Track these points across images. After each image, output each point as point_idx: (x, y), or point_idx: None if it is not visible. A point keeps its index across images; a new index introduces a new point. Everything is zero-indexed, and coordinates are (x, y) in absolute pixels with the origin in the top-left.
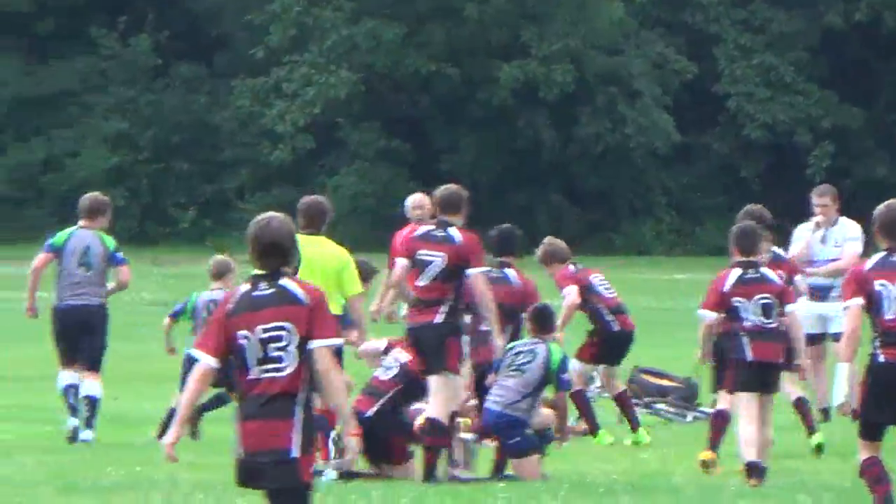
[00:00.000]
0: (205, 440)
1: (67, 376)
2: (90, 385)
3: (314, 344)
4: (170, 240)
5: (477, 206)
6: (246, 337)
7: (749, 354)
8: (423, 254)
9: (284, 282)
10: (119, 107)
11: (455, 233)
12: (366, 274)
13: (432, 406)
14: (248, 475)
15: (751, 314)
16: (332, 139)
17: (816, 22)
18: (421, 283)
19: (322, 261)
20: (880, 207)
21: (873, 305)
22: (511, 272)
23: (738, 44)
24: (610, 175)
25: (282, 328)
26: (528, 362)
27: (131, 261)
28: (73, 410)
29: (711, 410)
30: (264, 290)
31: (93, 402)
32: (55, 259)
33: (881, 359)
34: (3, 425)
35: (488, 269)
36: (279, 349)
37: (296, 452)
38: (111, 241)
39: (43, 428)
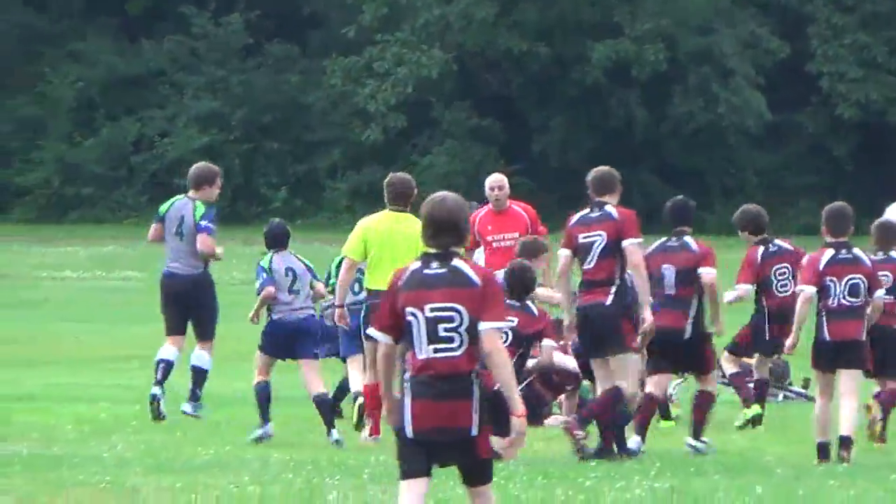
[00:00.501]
0: (295, 420)
1: (165, 349)
2: (196, 355)
3: (483, 326)
4: (261, 220)
5: (569, 185)
6: (414, 315)
7: (826, 335)
8: (584, 237)
9: (457, 262)
10: (210, 86)
11: (612, 209)
12: (534, 251)
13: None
14: (425, 453)
15: (838, 294)
16: (424, 118)
17: None
18: (588, 265)
19: (408, 238)
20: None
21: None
22: (689, 239)
23: (831, 23)
24: (702, 154)
25: (453, 309)
26: None
27: (223, 240)
28: (158, 383)
29: (802, 390)
30: (436, 269)
31: (196, 372)
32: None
33: None
34: (101, 404)
35: (665, 238)
36: (450, 330)
37: (475, 431)
38: (200, 210)
39: (133, 408)
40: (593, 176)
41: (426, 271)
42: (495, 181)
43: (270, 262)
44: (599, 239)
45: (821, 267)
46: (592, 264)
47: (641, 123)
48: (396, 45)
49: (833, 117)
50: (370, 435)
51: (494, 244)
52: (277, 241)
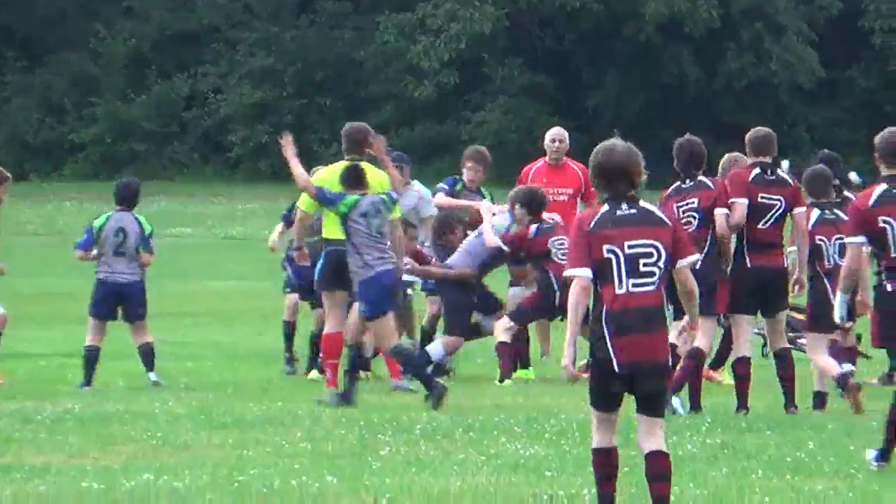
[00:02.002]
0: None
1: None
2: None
3: (681, 263)
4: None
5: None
6: (613, 252)
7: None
8: (765, 197)
9: (644, 203)
10: (263, 42)
11: (787, 176)
12: None
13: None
14: (624, 383)
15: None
16: (477, 75)
17: None
18: (762, 225)
19: None
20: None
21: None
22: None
23: None
24: (755, 110)
25: (652, 245)
26: None
27: (273, 196)
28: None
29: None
30: (627, 210)
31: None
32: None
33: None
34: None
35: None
36: (650, 265)
37: (669, 361)
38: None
39: (184, 364)
40: (751, 137)
41: (619, 212)
42: (556, 134)
43: (105, 221)
44: (779, 204)
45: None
46: (767, 226)
47: (694, 80)
48: (449, 1)
49: (886, 73)
50: (328, 387)
51: (548, 198)
52: (122, 200)
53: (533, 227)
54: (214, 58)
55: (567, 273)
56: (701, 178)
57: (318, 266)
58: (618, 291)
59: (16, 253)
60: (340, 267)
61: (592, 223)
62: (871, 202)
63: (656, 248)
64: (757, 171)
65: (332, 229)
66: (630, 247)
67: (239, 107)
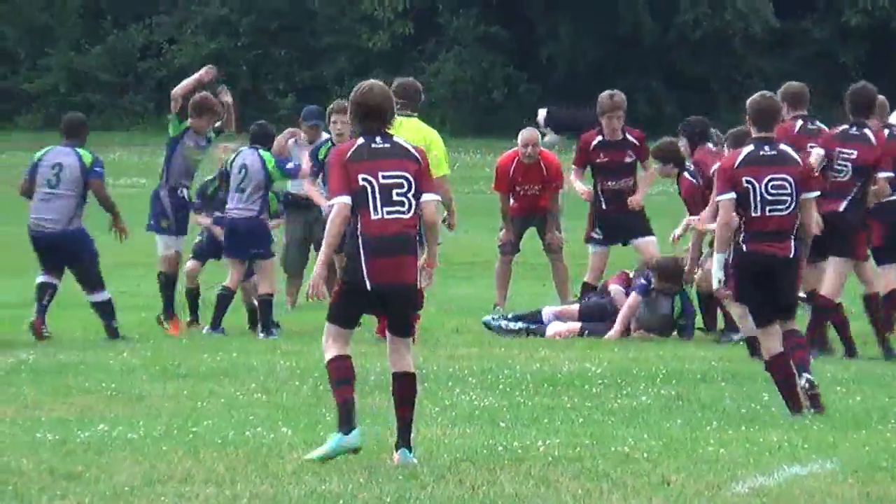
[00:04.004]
0: (299, 330)
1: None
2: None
3: (426, 197)
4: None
5: (577, 92)
6: (367, 181)
7: None
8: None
9: (396, 138)
10: None
11: (870, 133)
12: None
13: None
14: (379, 301)
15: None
16: (431, 25)
17: None
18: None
19: (414, 140)
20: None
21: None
22: (868, 132)
23: None
24: (709, 61)
25: (402, 177)
26: None
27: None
28: None
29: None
30: (381, 143)
31: None
32: None
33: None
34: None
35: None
36: (401, 194)
37: (417, 283)
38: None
39: (139, 315)
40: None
41: (373, 146)
42: (528, 139)
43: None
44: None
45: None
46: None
47: (648, 30)
48: None
49: (840, 24)
50: None
51: (521, 192)
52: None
53: None
54: (169, 8)
55: (330, 201)
56: (866, 130)
57: None
58: (373, 217)
59: None
60: None
61: (350, 154)
62: (736, 162)
63: (406, 178)
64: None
65: None
66: (384, 177)
67: (194, 57)
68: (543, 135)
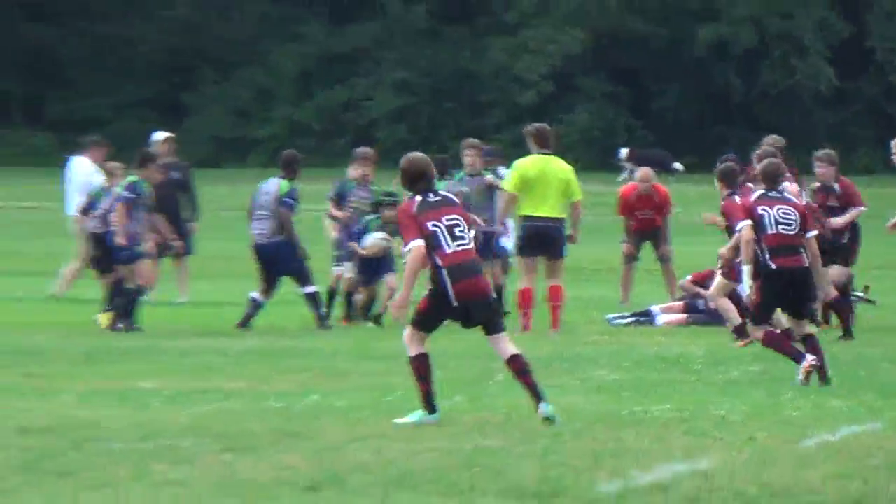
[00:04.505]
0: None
1: None
2: None
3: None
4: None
5: (682, 138)
6: (436, 225)
7: None
8: None
9: (441, 192)
10: (402, 60)
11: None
12: None
13: None
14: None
15: None
16: (569, 85)
17: None
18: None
19: (556, 173)
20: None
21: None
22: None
23: (884, 8)
24: (784, 113)
25: (457, 218)
26: None
27: None
28: None
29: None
30: (434, 197)
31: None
32: None
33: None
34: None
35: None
36: (461, 231)
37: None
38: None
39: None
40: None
41: (429, 199)
42: (645, 176)
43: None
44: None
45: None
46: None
47: (736, 89)
48: (547, 28)
49: (887, 83)
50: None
51: (639, 215)
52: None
53: None
54: (365, 73)
55: (407, 247)
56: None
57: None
58: (447, 252)
59: (214, 225)
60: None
61: (415, 208)
62: (753, 198)
63: (460, 219)
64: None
65: (528, 208)
66: (447, 220)
67: (384, 111)
68: (622, 168)
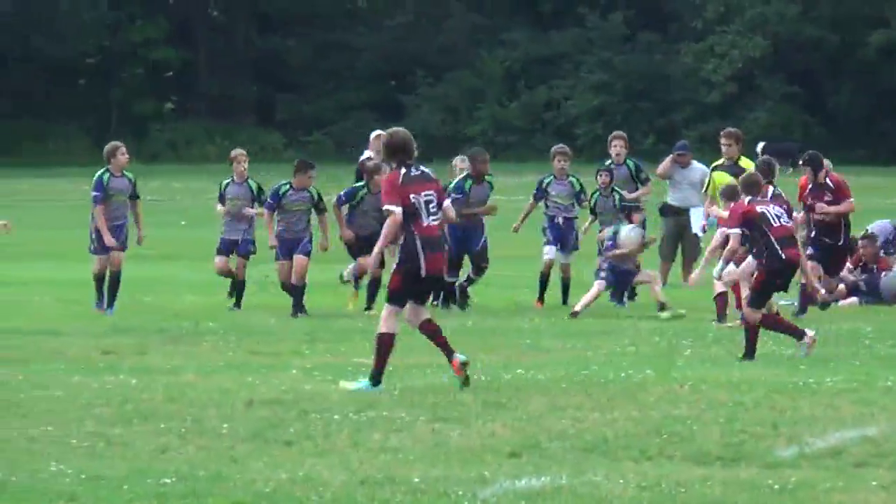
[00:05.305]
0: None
1: None
2: None
3: (446, 203)
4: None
5: (853, 134)
6: (416, 199)
7: None
8: None
9: (423, 167)
10: (600, 64)
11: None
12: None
13: None
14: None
15: None
16: (750, 86)
17: None
18: None
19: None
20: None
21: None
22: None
23: None
24: None
25: (431, 195)
26: None
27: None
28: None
29: None
30: (416, 172)
31: None
32: None
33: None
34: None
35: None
36: (434, 207)
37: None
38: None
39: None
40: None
41: (412, 173)
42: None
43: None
44: None
45: None
46: None
47: None
48: (731, 34)
49: None
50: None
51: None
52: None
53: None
54: (565, 74)
55: (387, 207)
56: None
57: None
58: (424, 223)
59: None
60: None
61: (401, 179)
62: (747, 201)
63: (434, 194)
64: None
65: None
66: (425, 195)
67: (583, 109)
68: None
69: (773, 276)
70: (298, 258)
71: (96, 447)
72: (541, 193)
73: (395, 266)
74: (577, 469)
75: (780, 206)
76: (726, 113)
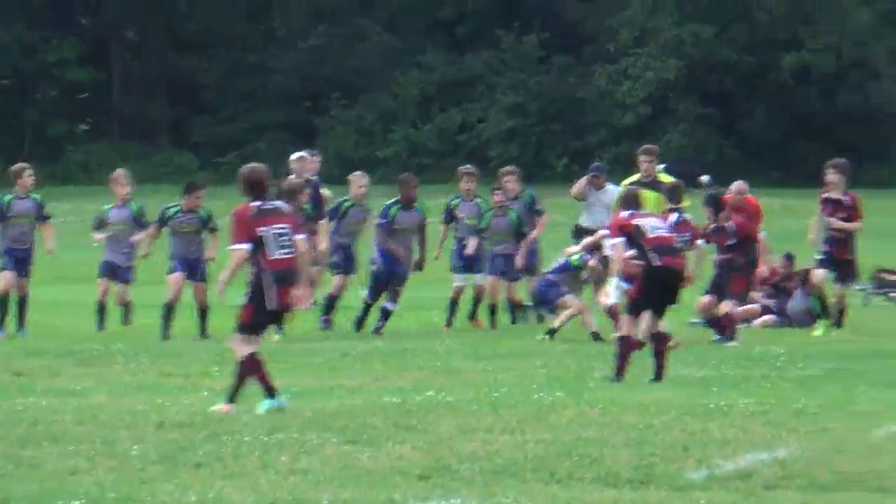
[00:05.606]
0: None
1: None
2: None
3: (298, 238)
4: (549, 180)
5: (768, 156)
6: (265, 232)
7: None
8: None
9: (276, 202)
10: (514, 86)
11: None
12: None
13: None
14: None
15: None
16: (665, 108)
17: None
18: None
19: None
20: None
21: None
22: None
23: None
24: (860, 132)
25: (285, 227)
26: None
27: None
28: None
29: None
30: (269, 206)
31: None
32: None
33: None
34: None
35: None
36: (287, 240)
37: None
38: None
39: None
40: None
41: (265, 207)
42: (739, 189)
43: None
44: None
45: None
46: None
47: (817, 111)
48: (645, 57)
49: None
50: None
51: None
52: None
53: None
54: (479, 97)
55: (233, 247)
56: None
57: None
58: (272, 257)
59: None
60: None
61: (251, 213)
62: (625, 215)
63: (287, 228)
64: None
65: None
66: (277, 228)
67: (496, 132)
68: (702, 183)
69: (650, 284)
70: (197, 285)
71: (6, 468)
72: (449, 216)
73: (245, 298)
74: (487, 491)
75: (685, 232)
76: (640, 135)
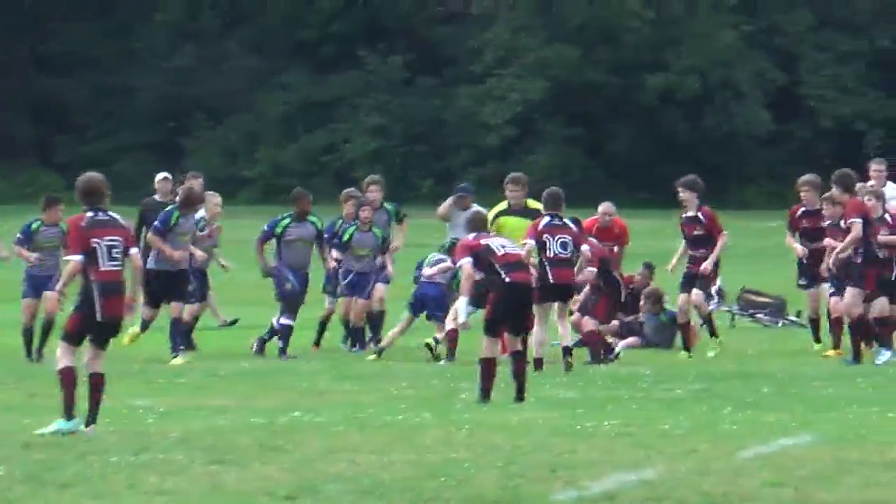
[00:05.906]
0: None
1: None
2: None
3: (132, 251)
4: (414, 201)
5: (633, 178)
6: (98, 243)
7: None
8: None
9: (112, 213)
10: (378, 107)
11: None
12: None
13: None
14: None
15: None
16: (530, 129)
17: (871, 44)
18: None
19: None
20: None
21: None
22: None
23: (816, 60)
24: (725, 154)
25: (116, 240)
26: None
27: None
28: None
29: (797, 319)
30: (104, 216)
31: None
32: None
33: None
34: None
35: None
36: (118, 253)
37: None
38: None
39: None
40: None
41: (98, 217)
42: (606, 210)
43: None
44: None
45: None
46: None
47: (682, 132)
48: (510, 78)
49: (816, 126)
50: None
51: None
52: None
53: None
54: (344, 118)
55: (68, 257)
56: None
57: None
58: (101, 269)
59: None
60: None
61: (85, 224)
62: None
63: (119, 241)
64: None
65: None
66: (108, 240)
67: (361, 153)
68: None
69: (501, 301)
70: (48, 294)
71: None
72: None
73: (74, 307)
74: None
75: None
76: (505, 156)
